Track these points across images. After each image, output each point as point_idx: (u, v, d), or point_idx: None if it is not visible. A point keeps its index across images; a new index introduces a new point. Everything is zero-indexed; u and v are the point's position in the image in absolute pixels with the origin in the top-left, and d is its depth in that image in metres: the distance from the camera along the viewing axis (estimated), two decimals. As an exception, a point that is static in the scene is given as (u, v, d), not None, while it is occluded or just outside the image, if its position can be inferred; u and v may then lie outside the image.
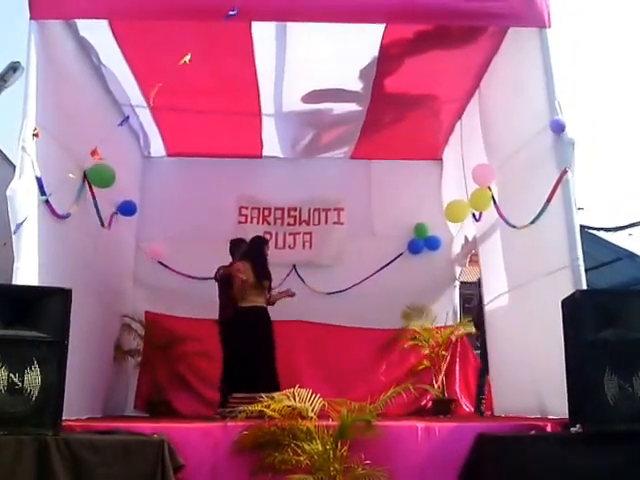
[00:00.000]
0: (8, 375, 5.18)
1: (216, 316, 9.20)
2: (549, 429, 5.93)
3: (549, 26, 7.26)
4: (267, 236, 10.53)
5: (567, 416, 5.83)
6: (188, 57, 6.69)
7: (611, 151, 52.72)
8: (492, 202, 8.48)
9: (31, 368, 5.24)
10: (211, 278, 9.63)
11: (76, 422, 6.11)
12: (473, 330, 9.83)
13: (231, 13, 6.71)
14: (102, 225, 8.52)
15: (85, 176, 7.91)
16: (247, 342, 8.23)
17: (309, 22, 7.50)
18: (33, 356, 5.27)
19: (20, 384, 5.20)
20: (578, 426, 5.55)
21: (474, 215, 9.46)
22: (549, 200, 6.91)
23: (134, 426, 5.95)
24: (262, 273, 8.58)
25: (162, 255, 10.65)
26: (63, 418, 5.44)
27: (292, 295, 8.93)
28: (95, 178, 7.97)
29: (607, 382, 5.47)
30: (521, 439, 5.70)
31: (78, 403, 6.79)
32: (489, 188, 8.57)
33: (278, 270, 9.64)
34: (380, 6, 7.24)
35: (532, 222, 7.23)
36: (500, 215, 8.19)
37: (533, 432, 5.84)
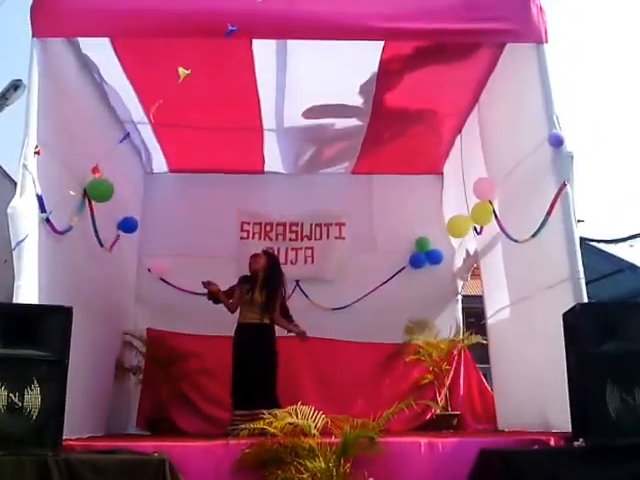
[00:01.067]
0: (8, 394, 5.15)
1: (217, 332, 9.23)
2: (552, 443, 5.90)
3: (546, 41, 7.32)
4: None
5: (570, 430, 5.80)
6: (187, 72, 6.68)
7: (611, 162, 52.79)
8: (493, 216, 8.48)
9: (31, 387, 5.20)
10: None
11: (77, 441, 6.07)
12: (474, 341, 9.84)
13: (231, 29, 6.72)
14: (101, 245, 8.48)
15: (86, 193, 7.90)
16: (245, 359, 8.22)
17: (309, 40, 7.52)
18: (33, 375, 5.23)
19: (20, 403, 5.15)
20: (581, 440, 5.53)
21: (475, 229, 9.47)
22: (549, 214, 6.93)
23: (135, 445, 5.91)
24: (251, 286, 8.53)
25: (165, 272, 10.63)
26: (64, 437, 5.41)
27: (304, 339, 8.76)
28: (93, 192, 7.95)
29: (609, 395, 5.45)
30: (524, 454, 5.67)
31: (79, 422, 6.76)
32: (490, 202, 8.57)
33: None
34: (379, 24, 7.25)
35: (533, 236, 7.24)
36: (501, 229, 8.20)
37: (536, 446, 5.83)
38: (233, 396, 8.19)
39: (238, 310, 8.57)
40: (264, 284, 8.51)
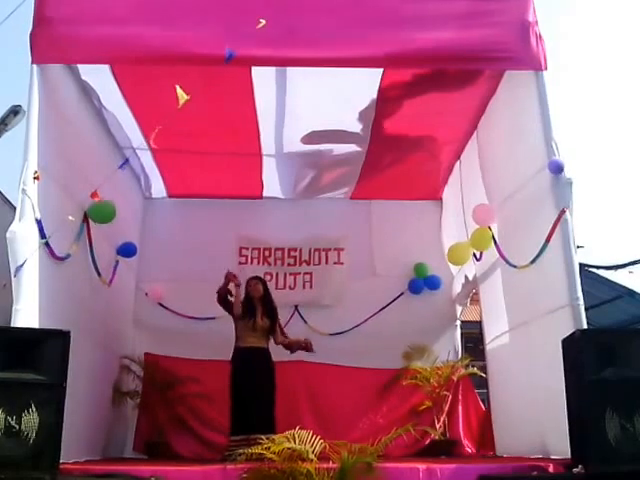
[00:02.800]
0: (5, 418, 5.14)
1: (216, 356, 9.17)
2: (551, 470, 5.85)
3: (545, 69, 7.33)
4: (267, 277, 10.51)
5: (569, 456, 5.77)
6: (186, 97, 6.68)
7: (611, 188, 52.94)
8: (493, 242, 8.49)
9: (29, 411, 5.20)
10: (211, 318, 9.65)
11: (74, 465, 6.06)
12: (473, 372, 9.82)
13: (230, 53, 6.74)
14: (99, 275, 8.45)
15: (85, 218, 7.91)
16: (243, 383, 8.17)
17: (308, 67, 7.57)
18: (31, 399, 5.23)
19: (17, 427, 5.15)
20: (580, 467, 5.50)
21: (475, 255, 9.47)
22: (548, 240, 6.94)
23: (133, 469, 5.87)
24: (251, 311, 8.53)
25: (162, 297, 10.60)
26: (61, 461, 5.38)
27: (309, 349, 8.75)
28: (95, 214, 7.96)
29: (608, 422, 5.45)
30: (522, 480, 5.66)
31: (76, 445, 6.73)
32: (489, 228, 8.58)
33: (280, 311, 9.60)
34: (378, 51, 7.28)
35: (532, 262, 7.24)
36: (501, 255, 8.21)
37: (535, 473, 5.80)
38: (232, 420, 8.15)
39: (236, 334, 8.55)
40: (265, 309, 8.55)
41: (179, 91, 6.54)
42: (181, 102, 6.55)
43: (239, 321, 8.49)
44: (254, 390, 8.06)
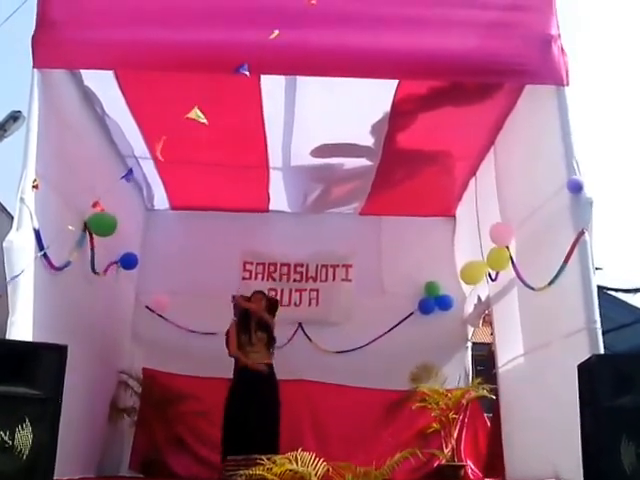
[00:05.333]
0: (-2, 433, 5.02)
1: (217, 373, 9.11)
2: (562, 497, 5.69)
3: (567, 84, 7.12)
4: (272, 293, 10.37)
5: (582, 483, 5.59)
6: (201, 115, 6.54)
7: (631, 208, 52.85)
8: (510, 262, 8.28)
9: (22, 426, 5.01)
10: (212, 334, 9.54)
11: (68, 482, 5.89)
12: (483, 394, 9.65)
13: (242, 70, 6.59)
14: (96, 273, 8.32)
15: (86, 227, 7.80)
16: (242, 402, 8.14)
17: (320, 77, 7.41)
18: (25, 414, 5.05)
19: (10, 442, 4.95)
20: (593, 495, 5.31)
21: (490, 275, 9.25)
22: (566, 261, 6.73)
23: (127, 488, 5.73)
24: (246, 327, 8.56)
25: (166, 307, 10.45)
26: (55, 478, 5.21)
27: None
28: (96, 226, 7.86)
29: (624, 450, 5.21)
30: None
31: (71, 462, 6.66)
32: (507, 247, 8.39)
33: (283, 328, 9.50)
34: (394, 61, 7.12)
35: (550, 283, 7.03)
36: (518, 276, 7.98)
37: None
38: (228, 440, 8.04)
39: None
40: (258, 323, 8.56)
41: (196, 112, 6.43)
42: (192, 116, 6.44)
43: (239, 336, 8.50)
44: (254, 409, 8.02)
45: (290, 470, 5.54)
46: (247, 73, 6.58)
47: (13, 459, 4.96)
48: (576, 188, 6.73)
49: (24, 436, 5.01)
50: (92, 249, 8.01)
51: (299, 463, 5.61)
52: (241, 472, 5.95)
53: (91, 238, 7.94)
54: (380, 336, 10.57)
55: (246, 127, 8.77)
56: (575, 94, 7.18)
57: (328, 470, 5.63)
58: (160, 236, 11.04)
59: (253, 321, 8.56)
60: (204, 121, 6.52)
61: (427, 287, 10.90)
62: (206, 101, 6.97)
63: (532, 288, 7.51)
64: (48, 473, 5.12)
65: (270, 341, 8.53)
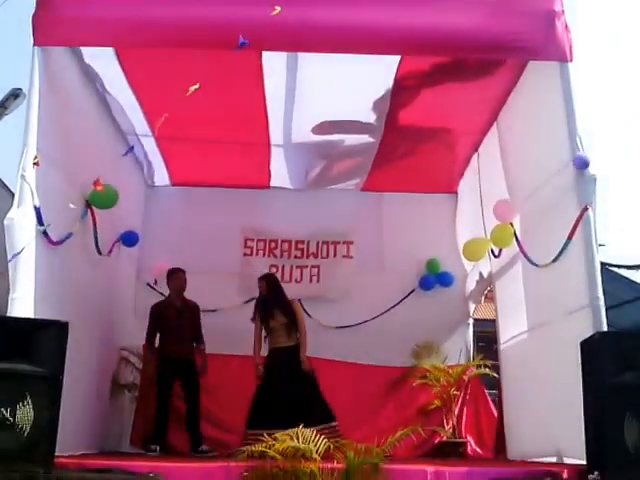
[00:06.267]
0: (-1, 410, 5.02)
1: (217, 350, 9.24)
2: (565, 476, 5.67)
3: (570, 60, 7.05)
4: (273, 269, 10.36)
5: (584, 462, 5.59)
6: (196, 86, 6.51)
7: (633, 184, 52.73)
8: (514, 239, 8.28)
9: (24, 403, 5.06)
10: (212, 311, 9.63)
11: (69, 459, 5.86)
12: (485, 372, 9.66)
13: (242, 42, 6.53)
14: (99, 253, 8.32)
15: (87, 204, 7.76)
16: (268, 382, 8.46)
17: (322, 53, 7.35)
18: (26, 390, 5.09)
19: (12, 419, 5.00)
20: (596, 473, 5.30)
21: (492, 251, 9.26)
22: (570, 238, 6.71)
23: (130, 464, 5.73)
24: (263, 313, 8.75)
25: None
26: (56, 454, 5.25)
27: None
28: (97, 199, 7.81)
29: (627, 428, 5.25)
30: (535, 486, 5.47)
31: (72, 439, 6.57)
32: (511, 224, 8.37)
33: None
34: (396, 37, 7.03)
35: (554, 260, 7.03)
36: (522, 252, 7.99)
37: (548, 479, 5.60)
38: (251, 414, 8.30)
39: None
40: (279, 307, 8.71)
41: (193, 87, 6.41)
42: (190, 90, 6.40)
43: (261, 324, 8.77)
44: (277, 388, 8.28)
45: (291, 447, 5.55)
46: (246, 42, 6.52)
47: (14, 436, 5.01)
48: (583, 164, 6.71)
49: (25, 413, 5.06)
50: (95, 226, 7.98)
51: (300, 440, 5.64)
52: (243, 449, 5.91)
53: (93, 215, 7.89)
54: (382, 313, 10.56)
55: (247, 104, 8.70)
56: (578, 70, 7.13)
57: (329, 447, 5.65)
58: (161, 213, 10.99)
59: (272, 306, 8.70)
60: (196, 86, 6.47)
61: (428, 264, 10.85)
62: (207, 78, 6.95)
63: (536, 265, 7.51)
64: (49, 450, 5.16)
65: (292, 324, 8.65)
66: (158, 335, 9.07)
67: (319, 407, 8.30)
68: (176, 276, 9.20)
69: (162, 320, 8.99)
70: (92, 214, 7.89)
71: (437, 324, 10.51)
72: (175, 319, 8.96)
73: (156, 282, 10.31)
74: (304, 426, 7.00)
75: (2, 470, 4.92)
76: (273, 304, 8.73)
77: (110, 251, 8.77)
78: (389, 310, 10.64)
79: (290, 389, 8.25)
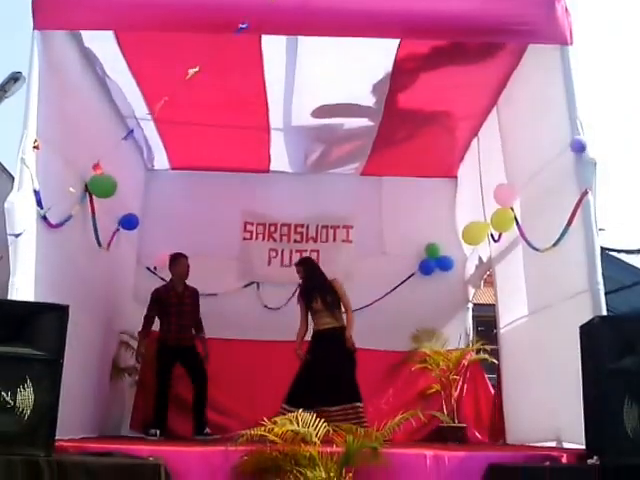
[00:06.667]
0: (0, 393, 5.01)
1: (217, 334, 9.24)
2: (564, 460, 5.68)
3: (571, 43, 7.05)
4: (272, 253, 10.35)
5: (583, 447, 5.60)
6: (196, 69, 6.49)
7: (633, 169, 52.66)
8: (515, 223, 8.26)
9: (24, 386, 5.07)
10: (213, 295, 9.68)
11: (70, 442, 5.89)
12: (484, 357, 9.68)
13: (242, 26, 6.52)
14: (99, 245, 8.34)
15: (86, 188, 7.76)
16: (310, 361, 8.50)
17: (321, 36, 7.32)
18: (27, 374, 5.11)
19: (12, 403, 5.02)
20: (595, 458, 5.29)
21: (492, 236, 9.24)
22: (570, 222, 6.71)
23: (129, 448, 5.75)
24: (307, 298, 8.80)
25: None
26: (56, 437, 5.28)
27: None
28: (96, 188, 7.82)
29: (626, 413, 5.25)
30: (534, 470, 5.50)
31: (72, 422, 6.59)
32: (511, 208, 8.34)
33: (284, 289, 9.52)
34: (395, 21, 7.02)
35: (554, 244, 7.01)
36: (523, 237, 7.98)
37: (547, 463, 5.61)
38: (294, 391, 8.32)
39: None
40: (319, 290, 8.69)
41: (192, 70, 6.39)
42: (190, 74, 6.38)
43: (306, 310, 8.79)
44: (317, 368, 8.31)
45: (291, 431, 5.56)
46: (245, 26, 6.51)
47: (15, 419, 5.03)
48: (579, 148, 6.70)
49: (26, 396, 5.07)
50: (93, 213, 7.97)
51: (300, 424, 5.64)
52: (242, 432, 5.91)
53: (91, 201, 7.90)
54: (381, 297, 10.56)
55: (247, 88, 8.69)
56: (579, 54, 7.12)
57: (329, 431, 5.66)
58: (160, 197, 10.97)
59: (311, 289, 8.73)
60: (196, 69, 6.45)
61: (428, 248, 10.86)
62: (207, 61, 6.91)
63: (536, 249, 7.50)
64: (50, 433, 5.18)
65: (334, 305, 8.66)
66: (158, 321, 9.04)
67: (348, 386, 8.27)
68: (179, 262, 9.16)
69: (163, 305, 8.96)
70: (91, 202, 7.90)
71: (437, 308, 10.52)
72: (176, 305, 8.91)
73: (156, 268, 10.35)
74: (330, 404, 7.09)
75: (2, 453, 4.92)
76: (313, 287, 8.73)
77: (109, 244, 8.77)
78: (389, 294, 10.64)
79: (328, 368, 8.25)
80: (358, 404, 8.21)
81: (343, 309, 8.68)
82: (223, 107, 9.04)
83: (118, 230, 9.20)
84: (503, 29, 7.06)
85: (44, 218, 6.54)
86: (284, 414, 7.10)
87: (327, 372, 8.20)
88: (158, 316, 9.01)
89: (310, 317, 8.73)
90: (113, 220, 9.07)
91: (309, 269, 8.93)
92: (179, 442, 7.71)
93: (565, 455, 5.75)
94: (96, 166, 7.33)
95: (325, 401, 7.88)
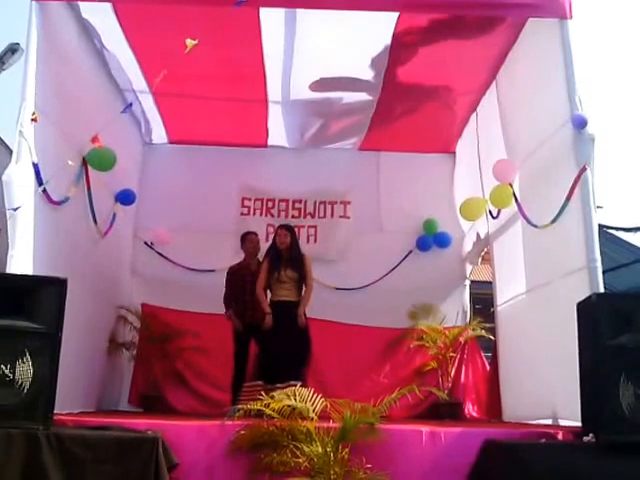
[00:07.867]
0: (-1, 366, 5.03)
1: (215, 309, 9.18)
2: (560, 437, 5.69)
3: (570, 17, 7.00)
4: (270, 229, 10.33)
5: (579, 424, 5.63)
6: (194, 42, 6.45)
7: (632, 146, 52.60)
8: (513, 199, 8.21)
9: (23, 360, 5.08)
10: (210, 271, 9.69)
11: (68, 416, 5.94)
12: (482, 334, 9.69)
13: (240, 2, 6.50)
14: (95, 222, 8.30)
15: (84, 163, 7.73)
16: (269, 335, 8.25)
17: (320, 9, 7.27)
18: (25, 347, 5.11)
19: (11, 376, 5.03)
20: (591, 435, 5.33)
21: (490, 212, 9.22)
22: (568, 198, 6.68)
23: (128, 422, 5.75)
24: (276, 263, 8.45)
25: (167, 241, 10.42)
26: (55, 412, 5.28)
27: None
28: (95, 161, 7.78)
29: (623, 390, 5.25)
30: (530, 447, 5.45)
31: (70, 396, 6.66)
32: (510, 185, 8.28)
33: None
34: None
35: (553, 221, 6.99)
36: (522, 214, 7.94)
37: (543, 440, 5.61)
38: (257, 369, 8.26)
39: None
40: (291, 260, 8.42)
41: (188, 41, 6.34)
42: (189, 47, 6.34)
43: (269, 274, 8.41)
44: (277, 343, 8.06)
45: (288, 406, 5.56)
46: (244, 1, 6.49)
47: (14, 393, 5.04)
48: (580, 124, 6.67)
49: (25, 370, 5.08)
50: (88, 187, 7.95)
51: (297, 399, 5.63)
52: (239, 406, 5.92)
53: (87, 174, 7.86)
54: (381, 278, 10.55)
55: (245, 61, 8.65)
56: (578, 28, 7.08)
57: (326, 406, 5.65)
58: (158, 171, 10.94)
59: (284, 259, 8.44)
60: (195, 42, 6.42)
61: (425, 225, 10.83)
62: (205, 34, 6.85)
63: (535, 226, 7.48)
64: (48, 407, 5.18)
65: (301, 280, 8.42)
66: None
67: (290, 364, 8.02)
68: (249, 239, 9.16)
69: (238, 283, 8.94)
70: (87, 177, 7.86)
71: (434, 285, 10.50)
72: (251, 283, 8.70)
73: (153, 243, 10.36)
74: (271, 382, 7.08)
75: (1, 426, 4.94)
76: (290, 257, 8.45)
77: (107, 232, 8.77)
78: (389, 274, 10.61)
79: (283, 344, 8.05)
80: (294, 382, 8.04)
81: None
82: (221, 80, 9.01)
83: (115, 211, 9.17)
84: (502, 2, 7.08)
85: (43, 191, 6.52)
86: (246, 393, 7.19)
87: (283, 347, 8.04)
88: (234, 294, 8.98)
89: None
90: (110, 195, 9.06)
91: (294, 239, 8.67)
92: (177, 416, 7.74)
93: (561, 432, 5.76)
94: (95, 139, 7.25)
95: (268, 378, 7.79)
